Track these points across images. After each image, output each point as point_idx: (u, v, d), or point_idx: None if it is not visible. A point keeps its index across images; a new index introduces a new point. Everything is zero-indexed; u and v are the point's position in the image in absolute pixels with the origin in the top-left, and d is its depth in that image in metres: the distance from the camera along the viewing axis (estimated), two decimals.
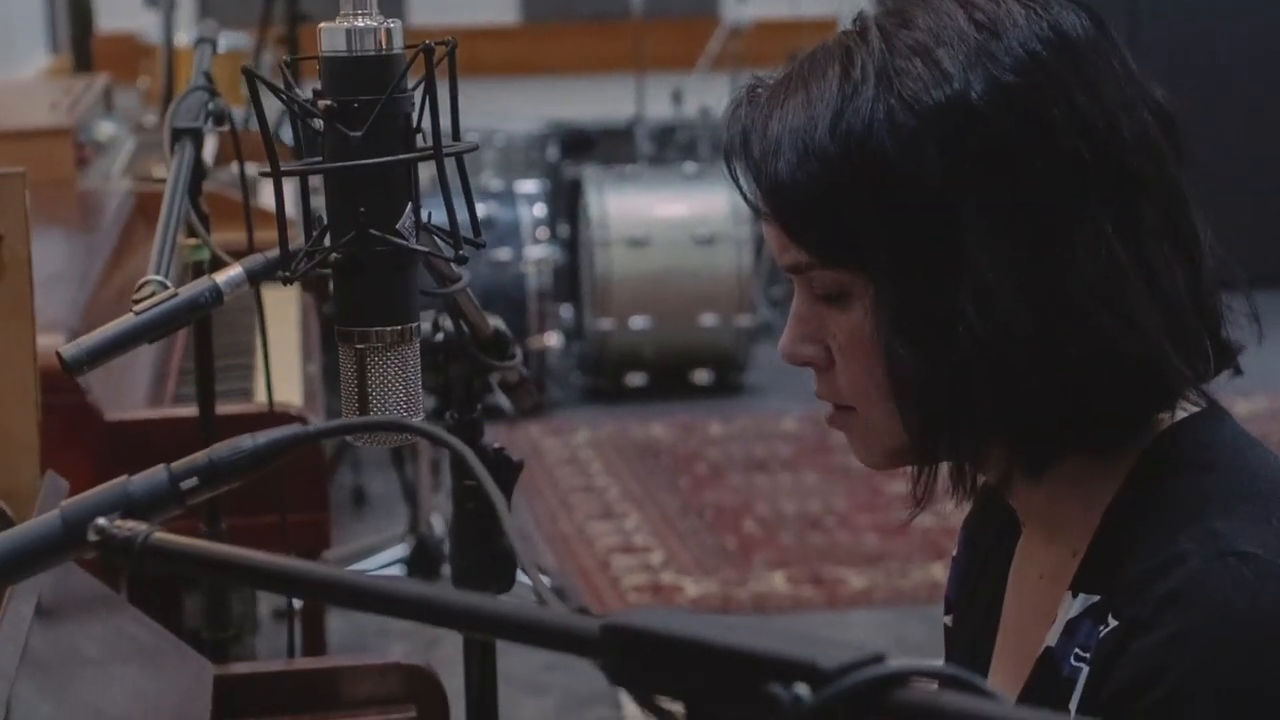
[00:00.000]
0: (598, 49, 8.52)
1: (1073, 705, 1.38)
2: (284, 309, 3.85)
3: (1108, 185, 1.37)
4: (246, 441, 1.14)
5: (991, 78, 1.36)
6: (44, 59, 6.88)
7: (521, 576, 5.36)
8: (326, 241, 1.46)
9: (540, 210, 6.98)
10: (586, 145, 7.73)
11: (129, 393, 2.99)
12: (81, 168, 4.16)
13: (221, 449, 1.14)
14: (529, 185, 7.11)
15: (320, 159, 1.45)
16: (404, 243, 1.45)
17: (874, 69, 1.37)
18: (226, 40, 6.73)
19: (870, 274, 1.38)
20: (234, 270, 1.72)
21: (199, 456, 1.14)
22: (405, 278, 1.47)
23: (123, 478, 1.13)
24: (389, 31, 1.45)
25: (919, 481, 1.46)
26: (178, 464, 1.13)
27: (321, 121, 1.44)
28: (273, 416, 2.28)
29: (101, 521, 1.09)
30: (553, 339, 6.95)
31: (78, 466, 2.22)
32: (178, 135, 2.13)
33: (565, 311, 7.34)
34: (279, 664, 2.18)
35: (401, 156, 1.43)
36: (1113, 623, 1.35)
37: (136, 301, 1.72)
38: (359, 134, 1.42)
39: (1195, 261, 1.41)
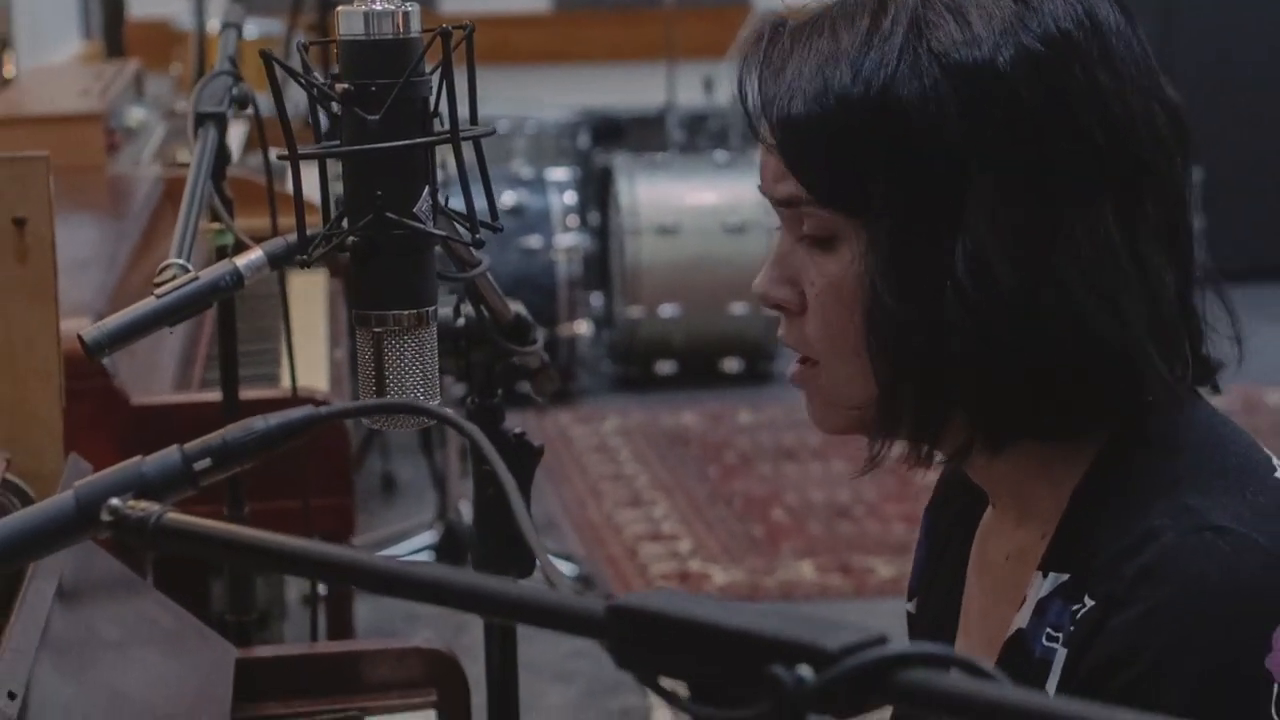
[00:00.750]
0: (629, 36, 8.51)
1: (1050, 687, 1.37)
2: (312, 294, 3.86)
3: (1116, 172, 1.36)
4: (259, 423, 1.14)
5: (1021, 46, 1.36)
6: (76, 45, 6.89)
7: (569, 564, 5.30)
8: (345, 225, 1.46)
9: (571, 198, 6.98)
10: (617, 133, 7.73)
11: (156, 377, 3.00)
12: (112, 153, 4.17)
13: (235, 430, 1.14)
14: (559, 173, 7.11)
15: (338, 143, 1.46)
16: (421, 226, 1.45)
17: (906, 19, 1.37)
18: (258, 26, 6.77)
19: (866, 219, 1.37)
20: (255, 254, 1.73)
21: (213, 437, 1.14)
22: (422, 261, 1.48)
23: (136, 458, 1.13)
24: (406, 15, 1.45)
25: (875, 446, 1.44)
26: (191, 445, 1.13)
27: (339, 105, 1.45)
28: (296, 401, 2.29)
29: (115, 502, 1.09)
30: (583, 327, 6.96)
31: (104, 450, 2.23)
32: (201, 120, 2.13)
33: (595, 299, 7.35)
34: (301, 647, 2.19)
35: (418, 140, 1.43)
36: (1089, 602, 1.35)
37: (158, 285, 1.73)
38: (376, 118, 1.43)
39: (1186, 268, 1.41)
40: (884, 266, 1.36)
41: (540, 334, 2.04)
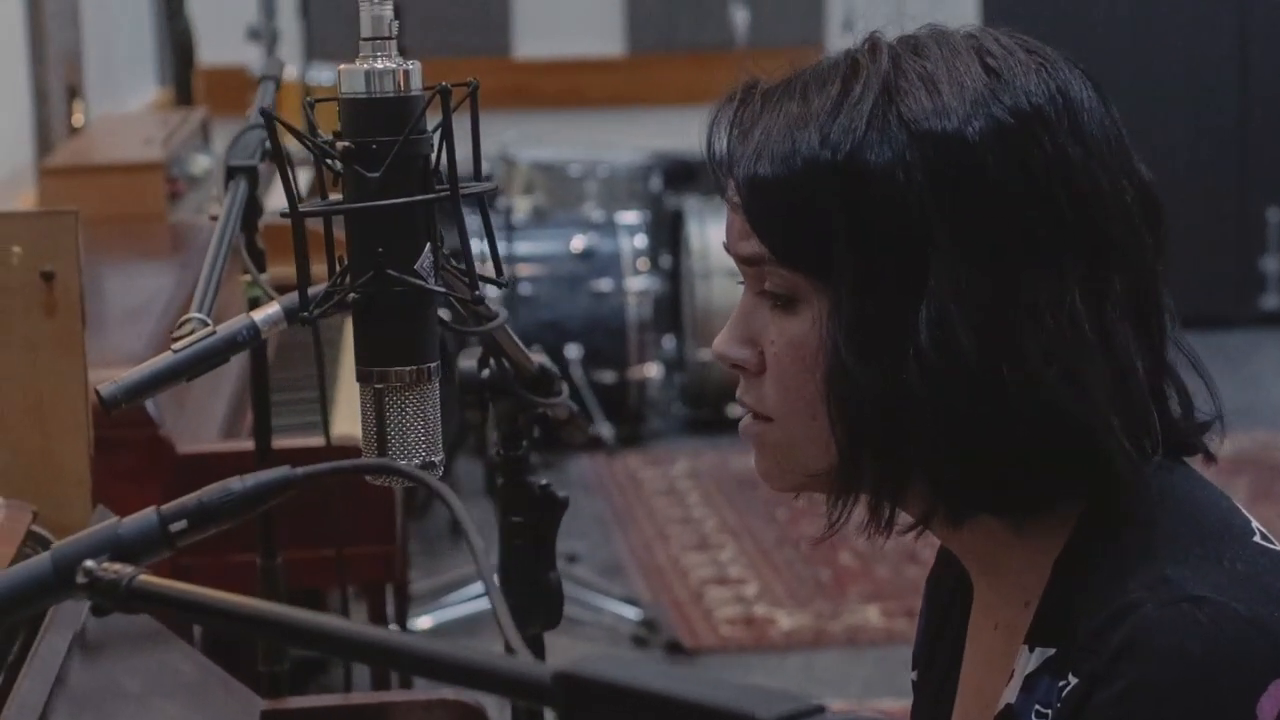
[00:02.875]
0: (701, 79, 8.51)
1: None
2: (350, 338, 3.86)
3: (1083, 246, 1.35)
4: (236, 484, 1.15)
5: (991, 118, 1.35)
6: (153, 92, 6.97)
7: (618, 604, 5.30)
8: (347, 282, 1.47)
9: (641, 241, 7.00)
10: (689, 176, 7.74)
11: (204, 425, 3.02)
12: (174, 201, 4.21)
13: (212, 491, 1.15)
14: (630, 216, 7.13)
15: (341, 200, 1.47)
16: (422, 283, 1.46)
17: (878, 85, 1.36)
18: (330, 74, 6.81)
19: (829, 282, 1.36)
20: (272, 308, 1.73)
21: (189, 499, 1.15)
22: (424, 318, 1.48)
23: (114, 520, 1.14)
24: (408, 74, 1.45)
25: (836, 510, 1.42)
26: (168, 506, 1.14)
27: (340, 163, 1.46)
28: (330, 451, 2.30)
29: (89, 564, 1.10)
30: (653, 370, 6.97)
31: (149, 499, 2.23)
32: (232, 173, 2.15)
33: (667, 342, 7.35)
34: (331, 699, 2.20)
35: (417, 198, 1.44)
36: (1073, 680, 1.33)
37: (176, 339, 1.74)
38: (376, 175, 1.43)
39: (1157, 345, 1.39)
40: (846, 330, 1.35)
41: (564, 385, 2.03)
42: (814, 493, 1.44)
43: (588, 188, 7.38)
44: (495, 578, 1.11)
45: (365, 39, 1.46)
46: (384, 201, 1.42)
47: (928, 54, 1.38)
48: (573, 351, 6.78)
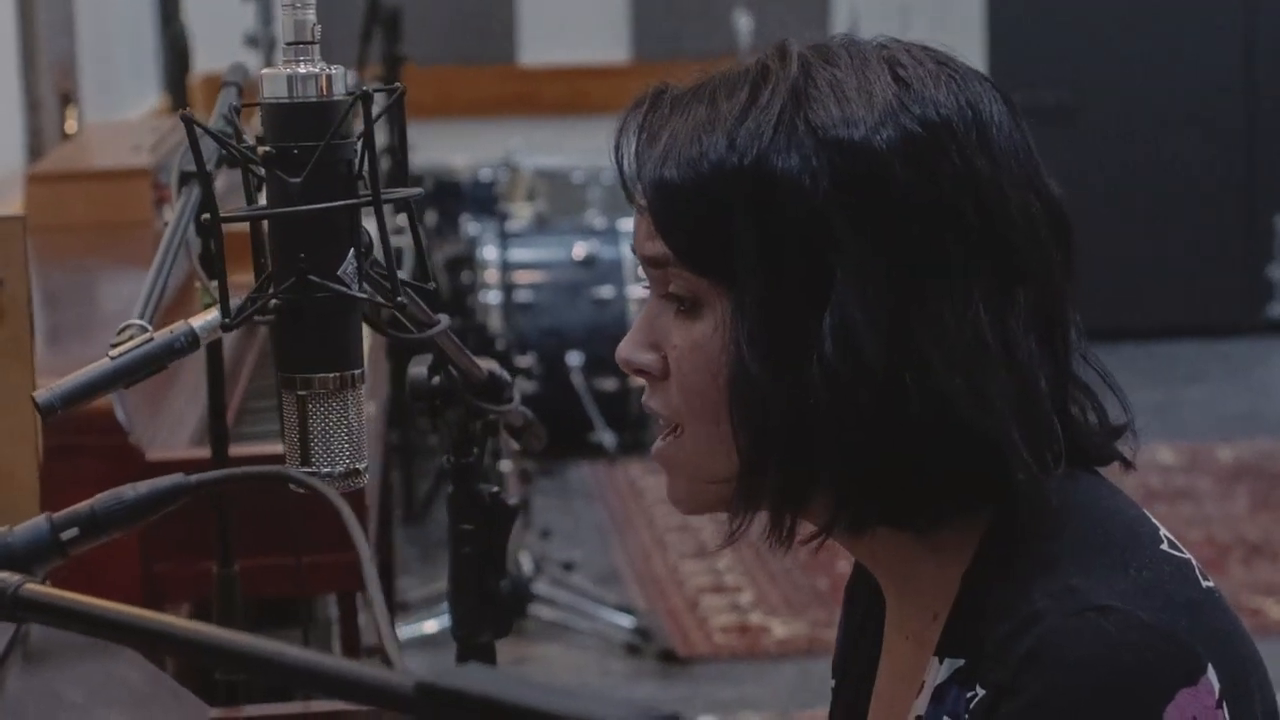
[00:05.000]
0: None
1: None
2: None
3: (988, 258, 1.34)
4: (128, 491, 1.14)
5: (900, 128, 1.34)
6: (155, 99, 6.97)
7: (612, 613, 5.27)
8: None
9: None
10: None
11: (176, 432, 3.01)
12: (161, 207, 4.20)
13: (104, 499, 1.14)
14: (632, 223, 7.10)
15: (264, 206, 1.46)
16: (345, 289, 1.45)
17: (786, 91, 1.35)
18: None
19: (733, 285, 1.35)
20: (211, 314, 1.73)
21: (82, 506, 1.14)
22: (347, 324, 1.47)
23: (4, 528, 1.13)
24: (330, 78, 1.44)
25: (735, 519, 1.41)
26: (60, 514, 1.13)
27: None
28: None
29: None
30: None
31: None
32: (185, 179, 2.14)
33: None
34: (289, 707, 2.18)
35: (338, 203, 1.43)
36: (980, 691, 1.32)
37: (114, 345, 1.73)
38: (298, 180, 1.42)
39: (1062, 359, 1.38)
40: (749, 335, 1.34)
41: (516, 392, 2.02)
42: (724, 510, 1.42)
43: (590, 194, 7.37)
44: (376, 581, 1.09)
45: (288, 43, 1.45)
46: (303, 207, 1.41)
47: (838, 62, 1.37)
48: (574, 359, 6.77)
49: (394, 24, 6.16)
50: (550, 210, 7.31)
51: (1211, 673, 1.29)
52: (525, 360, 6.54)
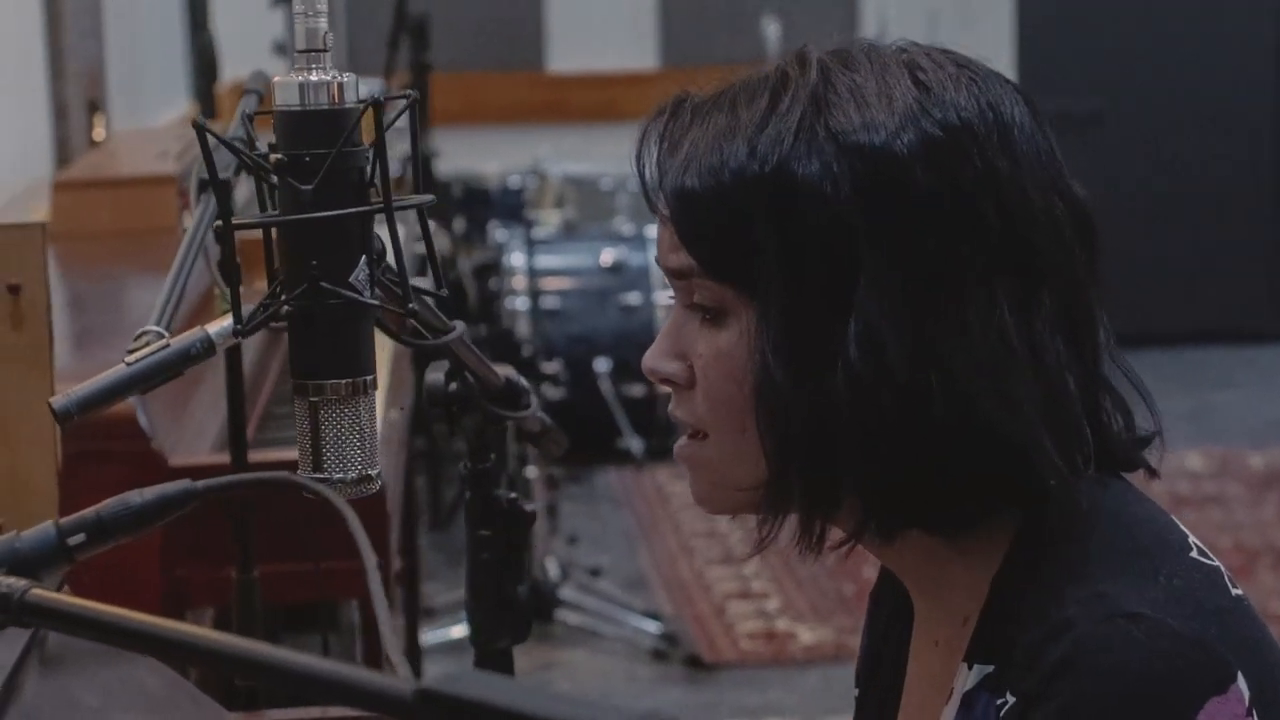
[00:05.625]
0: None
1: None
2: (376, 351, 3.87)
3: (1012, 260, 1.34)
4: (135, 497, 1.15)
5: (921, 132, 1.33)
6: (184, 106, 6.99)
7: (639, 618, 5.26)
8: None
9: None
10: None
11: (200, 438, 3.02)
12: (187, 214, 4.21)
13: (111, 504, 1.14)
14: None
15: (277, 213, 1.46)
16: (356, 296, 1.45)
17: (806, 97, 1.35)
18: (365, 87, 6.84)
19: (757, 294, 1.35)
20: (226, 321, 1.73)
21: (89, 512, 1.14)
22: (359, 331, 1.48)
23: (13, 533, 1.13)
24: (341, 85, 1.45)
25: (765, 526, 1.40)
26: (67, 520, 1.14)
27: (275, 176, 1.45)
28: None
29: None
30: None
31: None
32: (204, 186, 2.14)
33: None
34: (310, 712, 2.19)
35: (349, 210, 1.43)
36: (1010, 699, 1.31)
37: (131, 351, 1.74)
38: (309, 188, 1.43)
39: (1090, 361, 1.38)
40: (774, 343, 1.34)
41: (534, 399, 2.02)
42: (749, 514, 1.42)
43: (619, 201, 7.38)
44: (380, 587, 1.10)
45: (300, 51, 1.45)
46: (314, 214, 1.42)
47: (858, 67, 1.37)
48: (602, 365, 6.77)
49: (421, 32, 6.17)
50: (578, 217, 7.32)
51: (1241, 681, 1.28)
52: (552, 366, 6.55)
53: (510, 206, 7.16)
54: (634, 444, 6.71)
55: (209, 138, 1.46)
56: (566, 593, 5.29)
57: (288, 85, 1.44)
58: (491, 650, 2.02)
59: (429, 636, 4.94)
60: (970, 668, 1.38)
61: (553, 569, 5.30)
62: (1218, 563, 1.37)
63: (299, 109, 1.44)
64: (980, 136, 1.34)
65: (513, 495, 2.00)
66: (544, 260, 6.77)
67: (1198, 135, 8.62)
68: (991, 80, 1.39)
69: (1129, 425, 1.42)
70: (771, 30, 7.58)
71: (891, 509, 1.36)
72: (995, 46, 8.64)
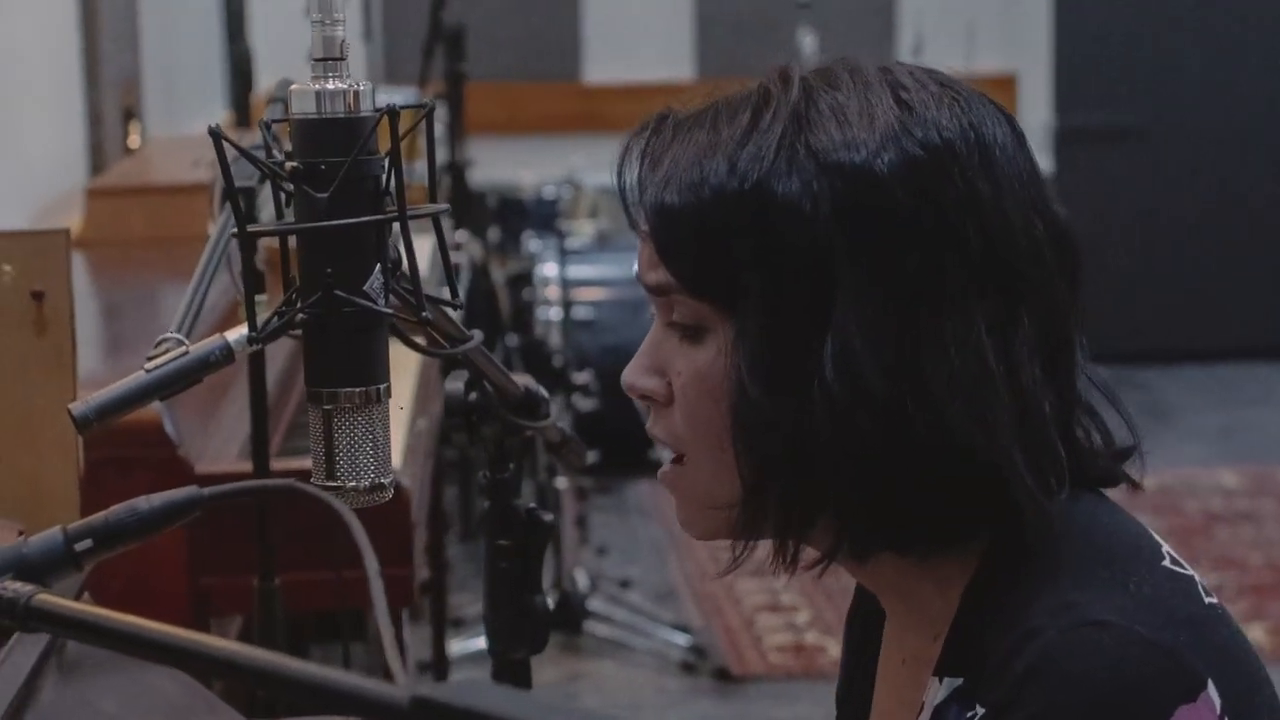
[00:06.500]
0: None
1: None
2: (405, 360, 3.88)
3: (991, 282, 1.33)
4: (143, 503, 1.15)
5: (902, 151, 1.33)
6: (221, 115, 7.01)
7: (668, 631, 5.22)
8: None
9: None
10: None
11: (227, 445, 3.03)
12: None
13: (118, 510, 1.15)
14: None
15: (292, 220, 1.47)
16: (371, 305, 1.45)
17: (787, 115, 1.35)
18: (402, 96, 6.85)
19: (736, 312, 1.35)
20: (245, 328, 1.74)
21: (96, 518, 1.15)
22: (373, 339, 1.48)
23: (20, 539, 1.14)
24: (358, 94, 1.45)
25: (738, 545, 1.41)
26: (75, 525, 1.14)
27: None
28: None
29: None
30: None
31: None
32: (226, 195, 2.15)
33: None
34: None
35: (363, 219, 1.43)
36: (979, 710, 1.31)
37: (150, 359, 1.74)
38: (324, 196, 1.43)
39: (1066, 386, 1.37)
40: (751, 361, 1.34)
41: (553, 408, 2.02)
42: (730, 538, 1.42)
43: None
44: (383, 595, 1.09)
45: (317, 59, 1.46)
46: (329, 222, 1.42)
47: (840, 85, 1.36)
48: None
49: (457, 41, 6.18)
50: (612, 228, 7.32)
51: (1212, 689, 1.27)
52: (584, 377, 6.54)
53: (545, 217, 7.16)
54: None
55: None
56: (595, 604, 5.29)
57: (304, 93, 1.45)
58: (509, 660, 2.02)
59: (457, 647, 4.94)
60: (940, 681, 1.38)
61: (582, 580, 5.30)
62: (1192, 572, 1.37)
63: (315, 117, 1.44)
64: (962, 156, 1.34)
65: (531, 505, 2.00)
66: (577, 271, 6.77)
67: (1236, 149, 8.59)
68: (974, 100, 1.38)
69: (1108, 442, 1.42)
70: (807, 42, 7.57)
71: (866, 529, 1.36)
72: (1033, 61, 8.63)
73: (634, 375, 1.42)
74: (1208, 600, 1.35)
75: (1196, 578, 1.36)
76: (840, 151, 1.33)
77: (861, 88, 1.36)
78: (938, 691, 1.37)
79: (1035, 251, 1.35)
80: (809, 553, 1.40)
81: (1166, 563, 1.35)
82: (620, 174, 1.42)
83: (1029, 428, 1.33)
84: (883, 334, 1.31)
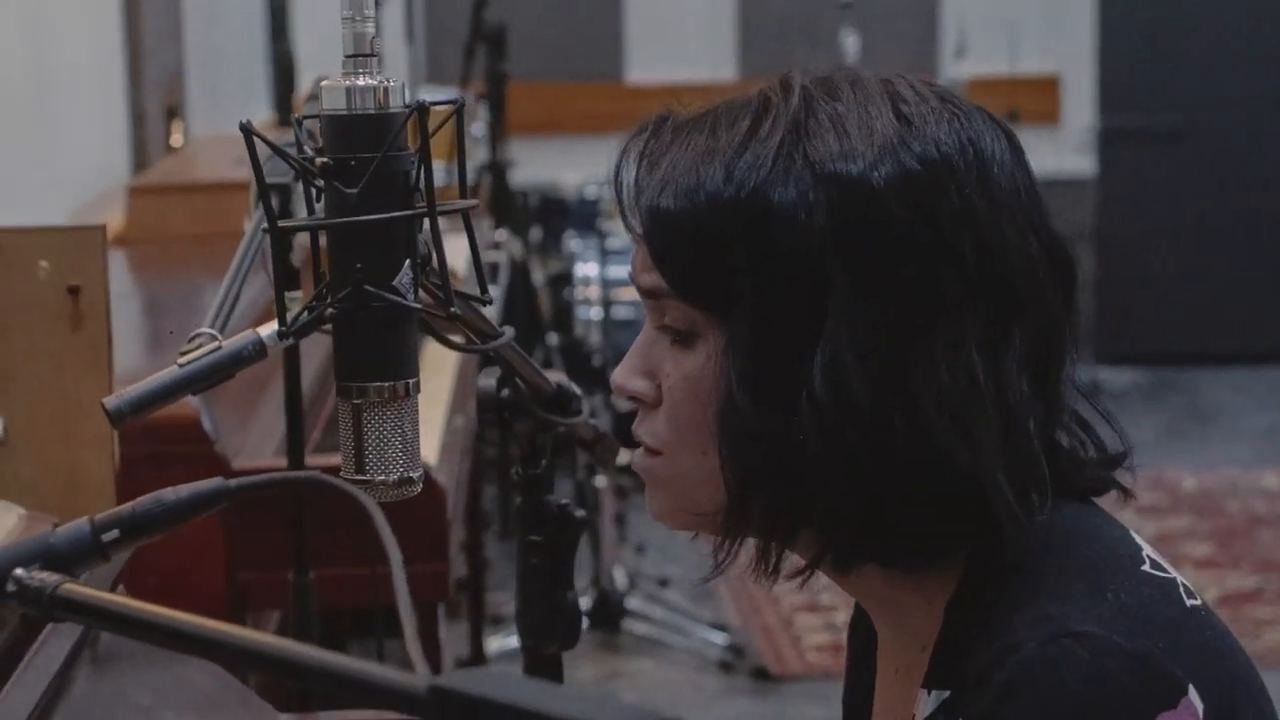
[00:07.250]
0: None
1: None
2: (441, 358, 3.89)
3: (984, 297, 1.33)
4: (169, 495, 1.16)
5: (899, 164, 1.33)
6: (266, 113, 7.04)
7: (707, 630, 5.24)
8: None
9: None
10: None
11: (264, 441, 3.04)
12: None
13: (145, 501, 1.16)
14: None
15: (321, 216, 1.48)
16: (400, 299, 1.46)
17: (786, 124, 1.35)
18: (445, 96, 6.87)
19: (727, 319, 1.35)
20: (277, 323, 1.75)
21: (123, 508, 1.16)
22: (402, 334, 1.48)
23: (48, 529, 1.15)
24: (388, 90, 1.46)
25: (722, 550, 1.40)
26: (102, 516, 1.15)
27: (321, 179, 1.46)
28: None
29: (20, 572, 1.11)
30: None
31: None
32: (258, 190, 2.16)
33: None
34: (363, 714, 2.20)
35: (393, 214, 1.44)
36: None
37: (183, 354, 1.76)
38: (354, 191, 1.44)
39: (1055, 402, 1.37)
40: (740, 368, 1.34)
41: (585, 405, 2.03)
42: (708, 533, 1.42)
43: None
44: (405, 587, 1.10)
45: (348, 55, 1.47)
46: (358, 217, 1.43)
47: (840, 96, 1.36)
48: None
49: (499, 41, 6.20)
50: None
51: (1194, 693, 1.27)
52: None
53: (586, 217, 7.17)
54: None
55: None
56: (634, 602, 5.30)
57: (335, 90, 1.46)
58: (541, 656, 2.02)
59: (495, 644, 4.95)
60: (929, 693, 1.37)
61: (620, 578, 5.31)
62: (1174, 574, 1.36)
63: (345, 113, 1.45)
64: (959, 172, 1.34)
65: (564, 501, 2.00)
66: (617, 270, 6.78)
67: (1278, 151, 8.56)
68: (974, 115, 1.38)
69: (1100, 451, 1.42)
70: (850, 42, 7.56)
71: (849, 541, 1.35)
72: (1076, 61, 8.61)
73: (623, 376, 1.43)
74: (1190, 603, 1.34)
75: (1179, 579, 1.36)
76: (837, 162, 1.32)
77: (862, 99, 1.36)
78: (926, 704, 1.37)
79: (1030, 268, 1.35)
80: (792, 560, 1.40)
81: (1146, 567, 1.35)
82: (617, 175, 1.42)
83: (1013, 445, 1.33)
84: (873, 347, 1.31)
